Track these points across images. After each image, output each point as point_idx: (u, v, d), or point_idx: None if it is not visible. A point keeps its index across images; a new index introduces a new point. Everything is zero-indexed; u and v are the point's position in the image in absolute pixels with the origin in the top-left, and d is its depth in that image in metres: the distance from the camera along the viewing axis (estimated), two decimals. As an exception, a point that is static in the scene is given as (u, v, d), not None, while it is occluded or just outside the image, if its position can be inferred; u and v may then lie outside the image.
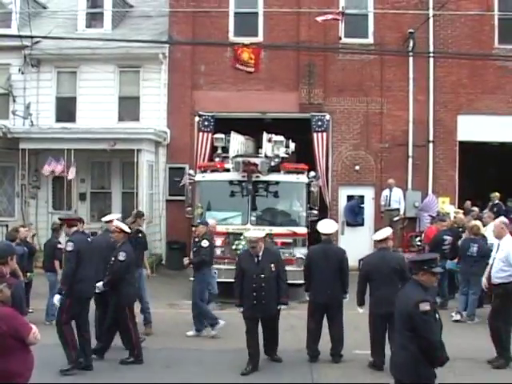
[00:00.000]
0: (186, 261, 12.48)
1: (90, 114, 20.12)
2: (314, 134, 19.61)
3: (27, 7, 20.98)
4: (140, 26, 21.56)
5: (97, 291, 10.42)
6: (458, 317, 13.40)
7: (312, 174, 16.19)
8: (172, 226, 19.82)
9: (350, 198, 20.14)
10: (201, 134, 19.72)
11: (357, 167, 20.05)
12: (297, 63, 20.20)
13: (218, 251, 14.82)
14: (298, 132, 17.50)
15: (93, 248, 10.50)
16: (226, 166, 15.86)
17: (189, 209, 16.11)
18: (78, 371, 9.61)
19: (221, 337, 11.70)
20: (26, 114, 20.29)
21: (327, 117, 19.77)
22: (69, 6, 21.92)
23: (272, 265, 9.94)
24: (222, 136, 16.46)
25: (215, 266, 13.87)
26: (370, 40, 20.25)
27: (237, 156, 15.57)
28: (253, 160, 15.23)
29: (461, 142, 20.03)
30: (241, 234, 14.56)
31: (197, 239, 12.31)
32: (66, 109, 20.75)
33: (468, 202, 18.88)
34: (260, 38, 20.28)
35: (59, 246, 12.79)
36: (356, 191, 20.13)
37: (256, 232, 10.67)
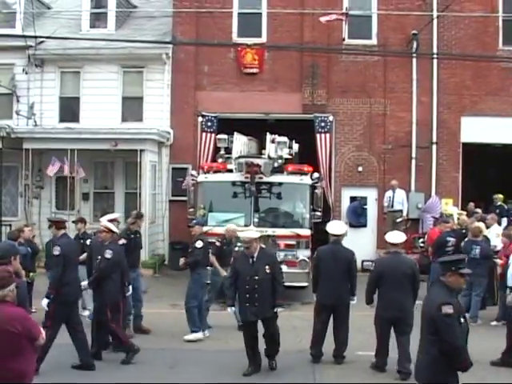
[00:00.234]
0: (181, 261, 12.47)
1: (93, 114, 20.14)
2: (317, 135, 19.61)
3: (31, 7, 21.06)
4: (143, 26, 21.58)
5: (82, 289, 10.53)
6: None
7: (316, 175, 16.11)
8: (175, 226, 19.81)
9: (352, 199, 20.13)
10: (204, 134, 19.73)
11: (360, 168, 20.04)
12: (300, 64, 20.20)
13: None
14: (300, 133, 17.47)
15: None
16: (229, 166, 15.76)
17: (191, 210, 16.00)
18: (79, 371, 9.62)
19: (221, 339, 11.69)
20: (29, 114, 20.32)
21: (330, 118, 19.77)
22: (73, 6, 21.93)
23: (267, 266, 9.68)
24: (225, 137, 16.31)
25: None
26: (374, 41, 20.24)
27: (240, 157, 15.40)
28: (256, 161, 15.10)
29: (464, 144, 20.01)
30: None
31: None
32: (69, 109, 20.77)
33: (471, 204, 18.86)
34: (263, 39, 20.28)
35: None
36: (359, 192, 20.12)
37: (250, 232, 10.43)
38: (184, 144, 20.07)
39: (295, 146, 16.39)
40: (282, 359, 10.50)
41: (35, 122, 20.35)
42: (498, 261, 13.47)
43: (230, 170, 15.66)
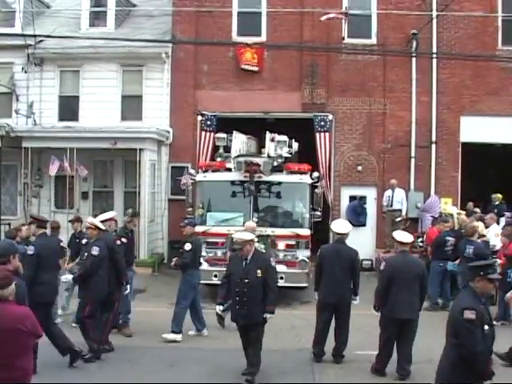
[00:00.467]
0: (173, 262, 12.48)
1: (92, 113, 20.13)
2: (317, 134, 19.60)
3: (31, 6, 21.04)
4: (143, 25, 21.56)
5: (63, 280, 10.63)
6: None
7: (315, 174, 16.03)
8: (174, 225, 19.75)
9: (352, 198, 20.12)
10: (203, 133, 19.72)
11: (359, 167, 20.03)
12: (300, 63, 20.19)
13: (219, 253, 14.79)
14: (300, 132, 17.44)
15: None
16: (228, 165, 15.65)
17: (189, 209, 15.88)
18: (77, 371, 9.62)
19: (220, 338, 11.70)
20: (28, 113, 20.30)
21: (330, 117, 19.77)
22: (72, 5, 21.94)
23: (258, 270, 9.31)
24: (224, 135, 16.17)
25: (217, 269, 13.87)
26: (373, 40, 20.23)
27: (239, 156, 15.29)
28: (255, 160, 15.01)
29: (463, 144, 20.01)
30: None
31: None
32: (68, 108, 20.76)
33: (470, 203, 18.87)
34: (263, 38, 20.27)
35: (61, 244, 12.85)
36: (358, 191, 20.11)
37: (244, 234, 10.05)
38: (183, 143, 20.07)
39: (295, 145, 16.25)
40: (281, 358, 10.54)
41: (34, 120, 20.35)
42: (498, 260, 13.48)
43: (229, 169, 15.56)
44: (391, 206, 19.21)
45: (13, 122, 19.96)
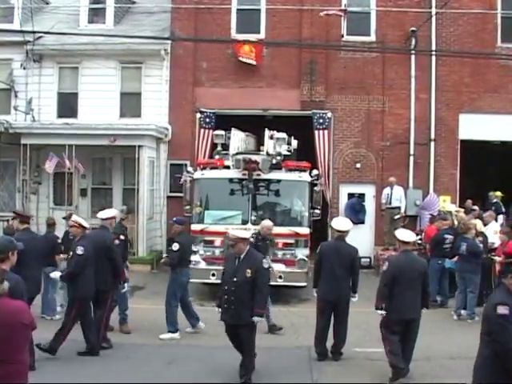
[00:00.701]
0: (162, 259, 12.46)
1: (91, 109, 20.11)
2: (316, 132, 19.61)
3: (29, 2, 21.02)
4: (142, 22, 21.54)
5: (52, 277, 10.68)
6: (455, 317, 13.42)
7: (315, 172, 15.90)
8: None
9: (350, 195, 20.11)
10: (202, 130, 19.72)
11: (358, 165, 20.03)
12: (299, 60, 20.18)
13: (216, 252, 14.68)
14: (299, 129, 17.43)
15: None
16: (226, 163, 15.50)
17: (187, 207, 15.70)
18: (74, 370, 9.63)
19: (219, 335, 11.68)
20: (27, 110, 20.28)
21: (329, 114, 19.78)
22: (71, 1, 21.85)
23: (248, 270, 8.98)
24: (222, 132, 16.01)
25: (214, 268, 13.82)
26: (373, 38, 20.21)
27: (237, 153, 15.17)
28: (254, 157, 14.86)
29: (462, 141, 20.01)
30: None
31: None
32: (67, 104, 20.74)
33: (469, 201, 18.88)
34: (262, 35, 20.25)
35: (58, 240, 12.90)
36: (357, 189, 20.10)
37: (240, 231, 9.78)
38: (182, 140, 20.06)
39: (294, 143, 16.21)
40: (279, 356, 10.54)
41: (33, 117, 20.32)
42: (497, 258, 13.51)
43: (228, 167, 15.42)
44: (390, 203, 19.21)
45: (11, 118, 19.96)
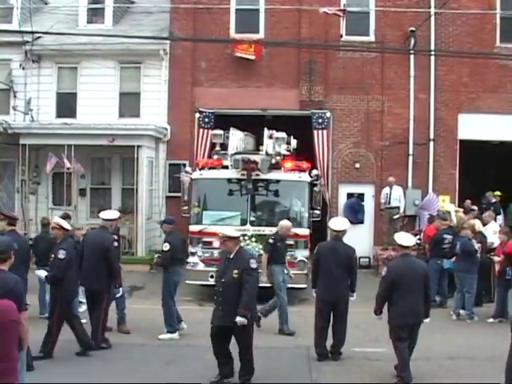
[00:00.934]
0: (154, 259, 12.43)
1: (90, 109, 20.09)
2: (315, 132, 19.60)
3: (28, 3, 20.98)
4: (141, 22, 21.52)
5: (37, 273, 10.65)
6: (454, 317, 13.43)
7: (315, 172, 15.81)
8: (172, 222, 19.76)
9: (350, 195, 20.11)
10: (201, 130, 19.70)
11: (357, 165, 20.02)
12: (298, 60, 20.17)
13: (215, 253, 14.46)
14: (298, 129, 17.41)
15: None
16: (225, 163, 15.34)
17: (185, 208, 15.57)
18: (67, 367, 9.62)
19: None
20: (26, 110, 20.26)
21: (328, 114, 19.77)
22: (70, 1, 21.80)
23: (236, 271, 8.80)
24: (221, 132, 15.84)
25: (213, 269, 13.74)
26: (372, 38, 20.20)
27: (236, 153, 15.04)
28: (253, 157, 14.73)
29: (461, 141, 20.01)
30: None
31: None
32: (66, 104, 20.72)
33: (468, 201, 18.88)
34: (261, 35, 20.24)
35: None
36: (356, 189, 20.10)
37: (230, 230, 9.55)
38: (181, 140, 20.06)
39: (293, 142, 16.08)
40: (279, 356, 10.53)
41: (32, 117, 20.29)
42: (496, 258, 13.53)
43: (226, 167, 15.26)
44: (389, 203, 19.20)
45: (10, 118, 19.94)
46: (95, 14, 21.57)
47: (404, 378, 9.10)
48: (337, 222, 10.99)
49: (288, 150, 15.74)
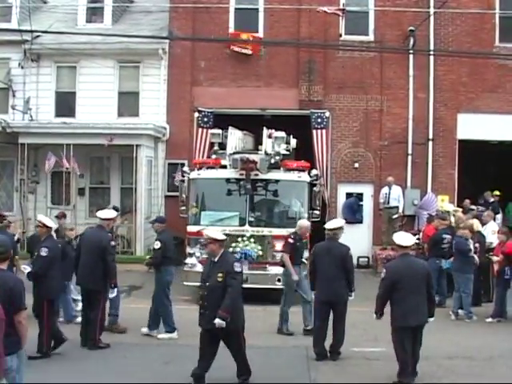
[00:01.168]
0: (144, 261, 12.42)
1: (89, 109, 20.09)
2: (314, 131, 19.60)
3: (27, 2, 20.98)
4: (140, 21, 21.52)
5: (21, 268, 10.50)
6: (452, 317, 13.41)
7: (314, 172, 15.67)
8: (170, 221, 19.53)
9: (348, 195, 20.12)
10: (200, 130, 19.69)
11: (356, 164, 20.03)
12: (297, 60, 20.18)
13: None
14: (297, 129, 17.37)
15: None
16: (223, 162, 15.19)
17: (183, 208, 15.46)
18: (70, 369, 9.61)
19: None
20: (25, 109, 20.25)
21: (327, 114, 19.76)
22: (69, 0, 21.85)
23: (220, 274, 8.60)
24: (219, 131, 15.74)
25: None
26: (371, 37, 20.22)
27: (234, 153, 14.85)
28: (251, 157, 14.52)
29: (460, 141, 20.02)
30: (238, 236, 14.06)
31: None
32: (65, 104, 20.72)
33: (467, 201, 18.88)
34: (260, 34, 20.25)
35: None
36: (355, 189, 20.11)
37: (214, 232, 9.35)
38: (180, 139, 20.06)
39: (293, 142, 15.90)
40: (277, 355, 10.52)
41: (31, 116, 20.29)
42: (494, 258, 13.53)
43: (224, 167, 15.11)
44: (388, 203, 19.21)
45: (9, 117, 19.94)
46: (94, 14, 21.58)
47: (403, 382, 9.02)
48: (331, 222, 11.07)
49: (287, 150, 15.59)
